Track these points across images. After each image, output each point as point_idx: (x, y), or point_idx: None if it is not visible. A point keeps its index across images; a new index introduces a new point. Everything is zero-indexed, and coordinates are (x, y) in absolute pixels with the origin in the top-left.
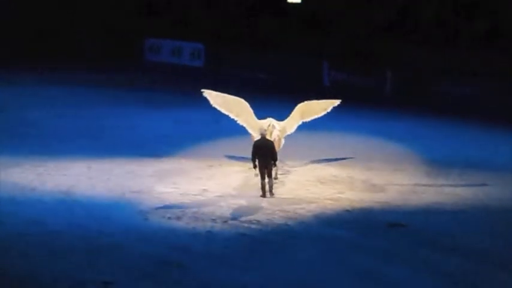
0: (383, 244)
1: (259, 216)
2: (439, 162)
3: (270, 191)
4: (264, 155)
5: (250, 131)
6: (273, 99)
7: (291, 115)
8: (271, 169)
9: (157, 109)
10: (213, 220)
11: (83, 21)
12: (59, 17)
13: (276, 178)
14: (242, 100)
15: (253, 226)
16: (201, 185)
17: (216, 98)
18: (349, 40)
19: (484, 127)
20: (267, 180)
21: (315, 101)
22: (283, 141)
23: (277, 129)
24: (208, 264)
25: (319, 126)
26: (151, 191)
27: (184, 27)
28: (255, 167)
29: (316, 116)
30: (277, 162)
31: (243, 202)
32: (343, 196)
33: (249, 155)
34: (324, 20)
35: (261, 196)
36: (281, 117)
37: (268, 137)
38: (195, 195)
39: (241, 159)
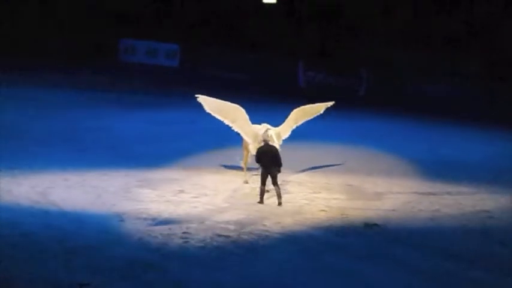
0: (358, 243)
1: (236, 217)
2: (415, 162)
3: (279, 198)
4: (268, 162)
5: (245, 137)
6: (248, 99)
7: (286, 120)
8: (276, 176)
9: (133, 110)
10: (189, 221)
11: (58, 22)
12: (32, 17)
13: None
14: (238, 106)
15: (229, 227)
16: (177, 186)
17: (210, 104)
18: (324, 40)
19: (458, 126)
20: (271, 187)
21: (308, 105)
22: (278, 147)
23: (267, 134)
24: (184, 264)
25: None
26: (127, 193)
27: (159, 28)
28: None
29: (308, 119)
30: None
31: (219, 203)
32: (319, 196)
33: (227, 156)
34: (299, 20)
35: (259, 202)
36: (255, 117)
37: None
38: (171, 196)
39: (218, 160)
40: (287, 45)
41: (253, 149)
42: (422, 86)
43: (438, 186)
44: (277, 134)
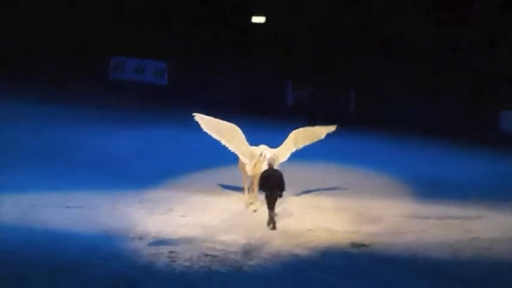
0: (344, 263)
1: (223, 236)
2: (402, 182)
3: (272, 222)
4: (271, 186)
5: (241, 157)
6: (235, 116)
7: (284, 142)
8: (276, 200)
9: (122, 127)
10: (176, 240)
11: (47, 38)
12: (23, 33)
13: (250, 204)
14: (235, 126)
15: (216, 246)
16: (165, 205)
17: (207, 123)
18: (312, 60)
19: (443, 146)
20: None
21: (309, 128)
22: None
23: (273, 158)
24: (171, 283)
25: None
26: (114, 210)
27: (148, 46)
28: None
29: (309, 143)
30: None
31: (207, 222)
32: (307, 215)
33: (216, 175)
34: (288, 39)
35: (272, 229)
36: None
37: (260, 165)
38: (159, 214)
39: (207, 179)
40: (276, 64)
41: (249, 170)
42: (409, 106)
43: (426, 207)
44: (275, 156)
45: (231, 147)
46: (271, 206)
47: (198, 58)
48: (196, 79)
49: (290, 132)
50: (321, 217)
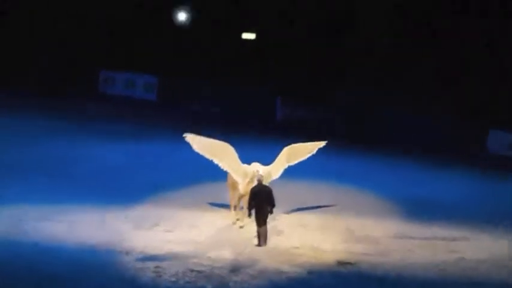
0: (331, 282)
1: (209, 252)
2: (389, 201)
3: (264, 239)
4: (261, 202)
5: (234, 176)
6: (224, 132)
7: (277, 159)
8: (267, 216)
9: (111, 142)
10: (163, 255)
11: (38, 51)
12: (11, 45)
13: (237, 220)
14: (227, 144)
15: (202, 261)
16: (152, 220)
17: (199, 143)
18: (302, 76)
19: (431, 166)
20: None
21: (300, 144)
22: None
23: (261, 174)
24: None
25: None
26: (101, 224)
27: (138, 60)
28: (250, 215)
29: (301, 159)
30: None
31: (193, 238)
32: (293, 233)
33: (204, 191)
34: (278, 56)
35: (257, 245)
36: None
37: (252, 182)
38: (146, 229)
39: (194, 194)
40: (266, 81)
41: (242, 189)
42: (396, 125)
43: (412, 226)
44: (268, 173)
45: (224, 166)
46: (260, 223)
47: (188, 73)
48: (186, 94)
49: (282, 148)
50: (308, 235)
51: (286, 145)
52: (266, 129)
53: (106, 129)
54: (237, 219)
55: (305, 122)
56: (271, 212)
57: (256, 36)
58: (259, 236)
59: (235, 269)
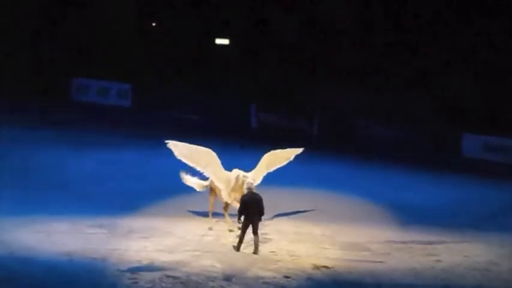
0: (307, 285)
1: (186, 258)
2: (366, 205)
3: (256, 248)
4: (252, 210)
5: (217, 183)
6: (199, 138)
7: (257, 166)
8: (258, 225)
9: (84, 149)
10: (138, 262)
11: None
12: None
13: (231, 230)
14: (210, 150)
15: (178, 268)
16: (127, 227)
17: (181, 150)
18: (277, 83)
19: (409, 170)
20: (250, 237)
21: (279, 150)
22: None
23: (250, 180)
24: None
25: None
26: (77, 233)
27: (111, 67)
28: (239, 220)
29: (279, 166)
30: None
31: (169, 244)
32: (269, 237)
33: (179, 197)
34: (252, 62)
35: (235, 250)
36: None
37: (239, 188)
38: (121, 236)
39: (169, 201)
40: (240, 87)
41: (225, 196)
42: (372, 129)
43: (390, 230)
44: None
45: (207, 173)
46: (244, 230)
47: (162, 80)
48: (161, 101)
49: (261, 156)
50: (283, 240)
51: (265, 152)
52: (241, 135)
53: (79, 137)
54: (230, 230)
55: (280, 129)
56: (260, 220)
57: (230, 41)
58: (240, 242)
59: (211, 275)
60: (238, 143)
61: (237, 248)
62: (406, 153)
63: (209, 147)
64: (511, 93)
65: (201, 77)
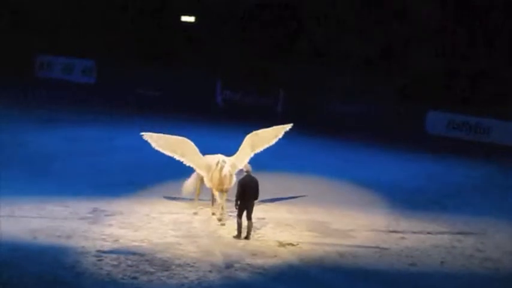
0: (272, 263)
1: (151, 236)
2: (328, 183)
3: (248, 233)
4: (249, 194)
5: (197, 170)
6: (165, 116)
7: (240, 148)
8: (252, 209)
9: (48, 126)
10: (103, 239)
11: None
12: None
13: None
14: (185, 139)
15: (144, 245)
16: (91, 204)
17: (157, 141)
18: (242, 60)
19: (370, 147)
20: (243, 220)
21: (262, 130)
22: (234, 177)
23: (228, 165)
24: (97, 282)
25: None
26: (41, 210)
27: (76, 44)
28: (237, 205)
29: (268, 145)
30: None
31: (134, 221)
32: (234, 215)
33: (145, 173)
34: (211, 39)
35: (235, 237)
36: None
37: (218, 174)
38: (86, 213)
39: (134, 177)
40: (206, 64)
41: (207, 182)
42: (336, 106)
43: (353, 207)
44: (233, 164)
45: (186, 162)
46: (241, 214)
47: (127, 56)
48: (126, 77)
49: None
50: (269, 227)
51: (249, 132)
52: (206, 112)
53: (43, 114)
54: (213, 214)
55: (245, 106)
56: (253, 205)
57: (196, 18)
58: (239, 226)
59: (177, 253)
60: (204, 121)
61: (238, 235)
62: (370, 131)
63: (173, 124)
64: (476, 70)
65: (167, 54)
